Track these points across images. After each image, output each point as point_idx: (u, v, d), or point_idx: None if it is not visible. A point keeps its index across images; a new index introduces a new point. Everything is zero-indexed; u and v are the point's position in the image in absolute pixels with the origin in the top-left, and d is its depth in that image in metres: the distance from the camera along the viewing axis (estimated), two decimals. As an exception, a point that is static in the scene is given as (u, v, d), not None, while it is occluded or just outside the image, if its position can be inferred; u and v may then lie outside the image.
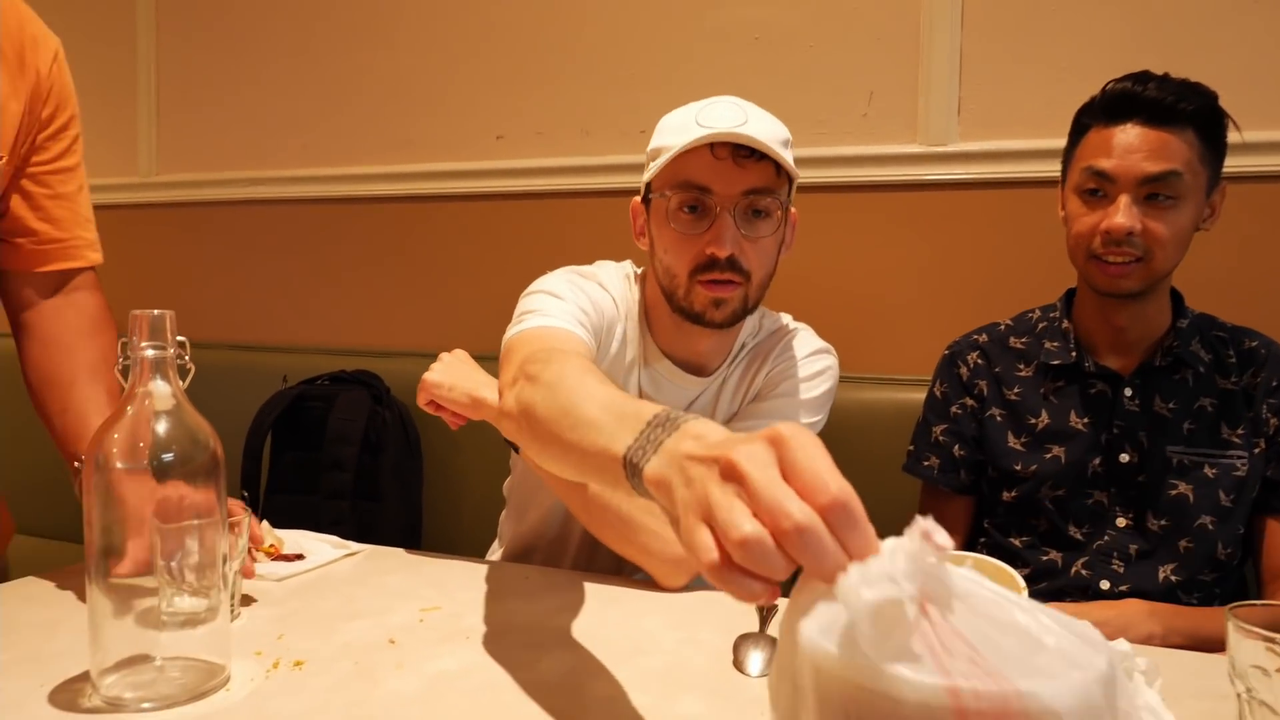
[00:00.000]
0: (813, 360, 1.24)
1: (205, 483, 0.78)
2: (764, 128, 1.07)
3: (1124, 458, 1.28)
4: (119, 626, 0.78)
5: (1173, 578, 1.25)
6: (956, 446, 1.40)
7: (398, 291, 2.22)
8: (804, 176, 1.85)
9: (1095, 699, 0.42)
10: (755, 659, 0.86)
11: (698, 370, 1.20)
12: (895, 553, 0.45)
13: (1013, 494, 1.34)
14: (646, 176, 1.13)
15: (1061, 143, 1.34)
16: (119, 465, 0.76)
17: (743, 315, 1.14)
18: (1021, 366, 1.37)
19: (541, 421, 0.75)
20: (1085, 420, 1.31)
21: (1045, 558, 1.31)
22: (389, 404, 1.92)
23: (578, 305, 1.09)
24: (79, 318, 1.15)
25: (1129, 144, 1.20)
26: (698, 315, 1.11)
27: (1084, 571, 1.28)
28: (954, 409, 1.41)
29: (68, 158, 1.16)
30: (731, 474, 0.48)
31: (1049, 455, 1.31)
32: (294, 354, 2.13)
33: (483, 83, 2.11)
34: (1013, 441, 1.34)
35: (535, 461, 0.84)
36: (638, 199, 1.19)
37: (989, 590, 0.48)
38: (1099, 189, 1.23)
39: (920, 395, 1.57)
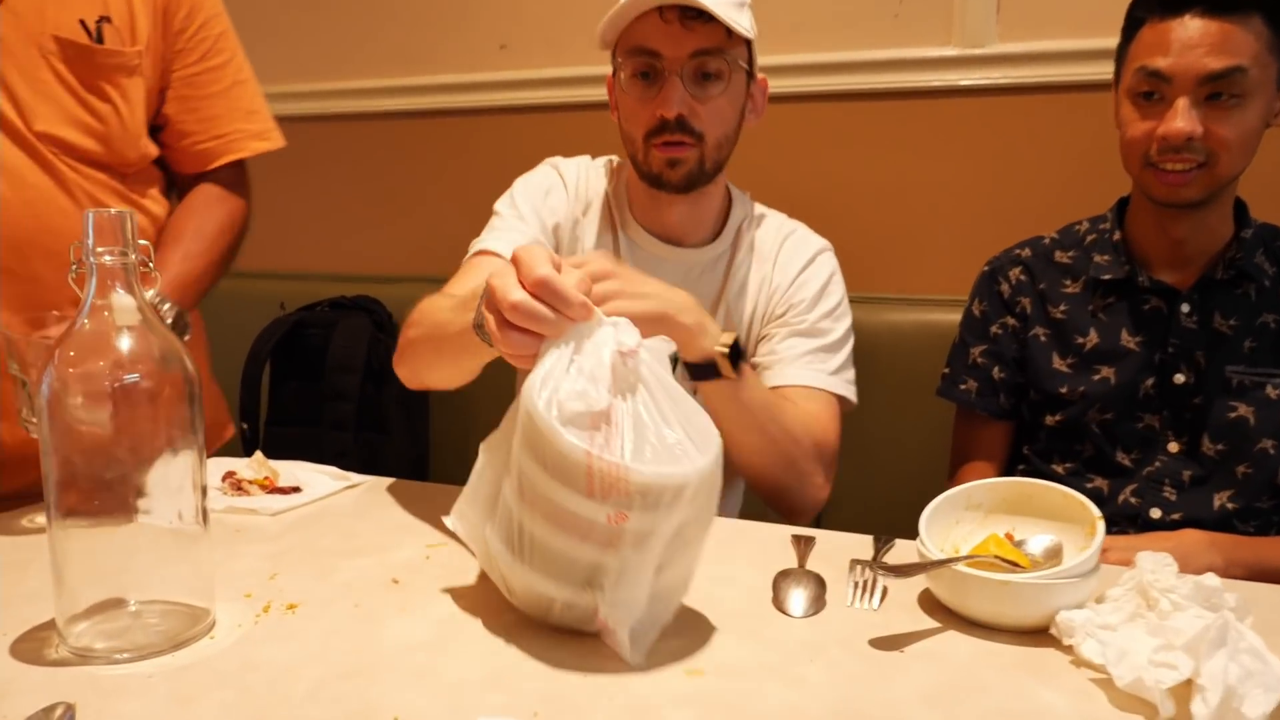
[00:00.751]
0: (820, 266, 1.26)
1: (177, 408, 0.69)
2: None
3: (1179, 378, 1.18)
4: (87, 567, 0.69)
5: (1229, 505, 1.17)
6: (996, 369, 1.30)
7: (398, 213, 2.11)
8: (830, 84, 1.74)
9: (686, 487, 0.65)
10: (797, 598, 0.78)
11: (675, 241, 1.23)
12: (601, 349, 0.68)
13: (1057, 418, 1.24)
14: (601, 31, 1.15)
15: (1111, 42, 1.21)
16: (76, 387, 0.66)
17: (701, 177, 1.16)
18: (1068, 282, 1.27)
19: (423, 344, 1.02)
20: (1138, 339, 1.21)
21: (1090, 485, 1.22)
22: (392, 331, 1.83)
23: (516, 222, 1.21)
24: (211, 190, 1.25)
25: (1187, 39, 1.08)
26: (656, 177, 1.15)
27: (1132, 499, 1.19)
28: (994, 329, 1.31)
29: (213, 57, 1.22)
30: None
31: (1097, 377, 1.22)
32: (291, 280, 2.04)
33: (483, -11, 1.97)
34: (1058, 363, 1.25)
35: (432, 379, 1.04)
36: (611, 74, 1.21)
37: (664, 394, 0.69)
38: (1154, 91, 1.11)
39: (954, 317, 1.47)
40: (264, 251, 2.25)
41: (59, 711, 0.56)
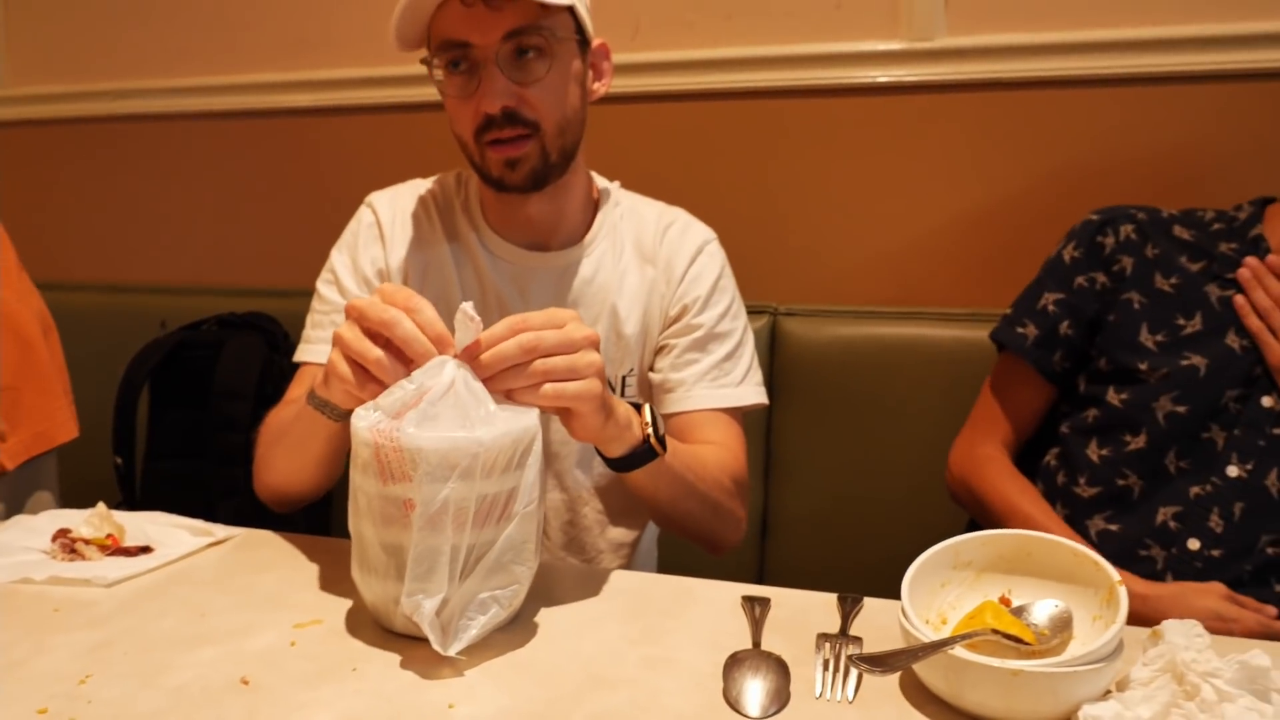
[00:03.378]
0: (709, 258, 1.13)
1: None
2: None
3: (1267, 401, 1.07)
4: None
5: (1269, 551, 1.05)
6: (1066, 323, 1.17)
7: (295, 220, 1.92)
8: (769, 79, 1.62)
9: (464, 453, 0.66)
10: (754, 692, 0.62)
11: (539, 245, 1.09)
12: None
13: (1122, 396, 1.11)
14: (393, 27, 1.00)
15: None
16: None
17: (548, 171, 1.02)
18: (1186, 258, 1.14)
19: (271, 449, 1.01)
20: (1244, 343, 1.09)
21: (1122, 482, 1.10)
22: (287, 351, 1.64)
23: (335, 315, 1.09)
24: None
25: None
26: (498, 181, 1.02)
27: (1172, 523, 1.07)
28: (1079, 279, 1.17)
29: None
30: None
31: (1186, 363, 1.09)
32: (173, 295, 1.84)
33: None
34: (1145, 336, 1.12)
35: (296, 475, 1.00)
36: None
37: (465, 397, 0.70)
38: None
39: (907, 330, 1.36)
40: (142, 262, 2.04)
41: None
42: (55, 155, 2.06)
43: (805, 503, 1.50)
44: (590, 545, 1.10)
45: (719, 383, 1.08)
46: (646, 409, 0.87)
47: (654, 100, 1.68)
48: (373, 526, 0.70)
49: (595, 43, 1.06)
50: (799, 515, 1.51)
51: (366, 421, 0.69)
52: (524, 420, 0.71)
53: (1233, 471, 1.07)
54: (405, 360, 0.73)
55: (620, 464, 0.86)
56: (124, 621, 0.74)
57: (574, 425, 0.79)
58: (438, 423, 0.68)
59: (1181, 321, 1.12)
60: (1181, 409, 1.08)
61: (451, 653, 0.66)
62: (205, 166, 1.98)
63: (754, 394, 1.10)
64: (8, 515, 1.10)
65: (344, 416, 0.82)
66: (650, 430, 0.85)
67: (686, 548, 1.07)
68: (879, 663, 0.59)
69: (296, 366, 1.13)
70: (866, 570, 1.03)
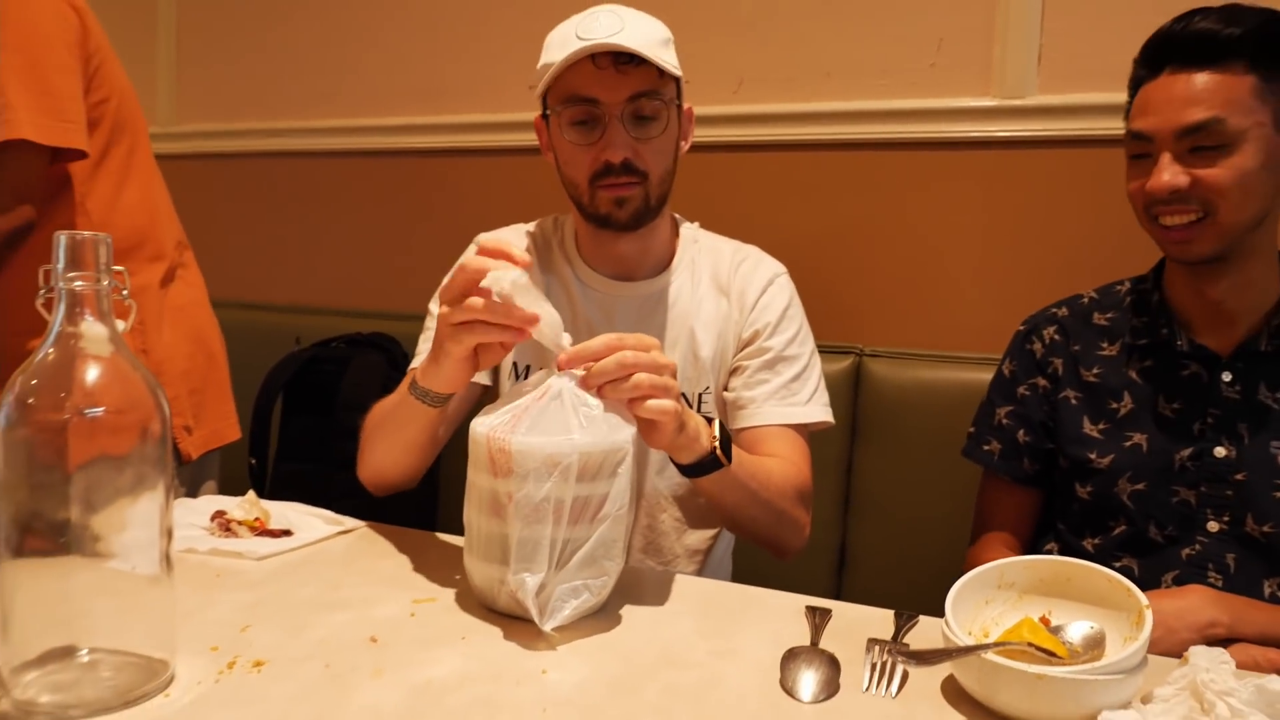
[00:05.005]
0: (779, 289, 1.24)
1: (145, 445, 0.64)
2: (640, 32, 1.09)
3: (1219, 451, 1.10)
4: (37, 610, 0.64)
5: None
6: (1021, 431, 1.23)
7: (418, 251, 2.09)
8: (858, 132, 1.70)
9: (562, 458, 0.77)
10: (807, 681, 0.71)
11: (627, 276, 1.22)
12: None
13: (1087, 489, 1.16)
14: (537, 92, 1.15)
15: None
16: (36, 419, 0.62)
17: (647, 212, 1.16)
18: (1105, 344, 1.20)
19: (374, 435, 1.15)
20: (1175, 406, 1.13)
21: (1118, 565, 1.14)
22: (405, 369, 1.79)
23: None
24: None
25: (1166, 97, 1.06)
26: (605, 218, 1.15)
27: (1174, 587, 1.11)
28: (1022, 389, 1.24)
29: None
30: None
31: (1129, 444, 1.14)
32: (308, 315, 2.02)
33: (512, 29, 1.95)
34: (1089, 428, 1.17)
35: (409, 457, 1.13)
36: (539, 116, 1.19)
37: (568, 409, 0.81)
38: (1143, 152, 1.09)
39: (986, 375, 1.41)
40: (282, 285, 2.25)
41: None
42: (211, 187, 2.29)
43: (882, 538, 1.56)
44: (667, 549, 1.20)
45: (786, 401, 1.17)
46: (716, 424, 0.97)
47: (755, 150, 1.78)
48: (482, 516, 0.81)
49: (685, 106, 1.19)
50: (875, 549, 1.56)
51: (484, 425, 0.81)
52: (619, 434, 0.81)
53: (1212, 526, 1.09)
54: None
55: (689, 470, 0.96)
56: (272, 588, 0.88)
57: (652, 435, 0.89)
58: (542, 429, 0.79)
59: (1114, 405, 1.16)
60: (1140, 486, 1.12)
61: (548, 628, 0.77)
62: (338, 201, 2.17)
63: (820, 412, 1.19)
64: (187, 497, 1.28)
65: (440, 403, 0.98)
66: (717, 443, 0.95)
67: (759, 561, 1.15)
68: (918, 658, 0.67)
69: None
70: (938, 606, 1.10)
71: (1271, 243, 1.12)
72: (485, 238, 1.29)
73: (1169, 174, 1.05)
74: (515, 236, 1.28)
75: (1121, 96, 1.16)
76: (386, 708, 0.65)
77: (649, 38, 1.09)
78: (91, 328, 0.63)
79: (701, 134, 1.23)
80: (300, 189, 2.20)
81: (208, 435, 1.42)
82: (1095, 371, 1.19)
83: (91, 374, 0.63)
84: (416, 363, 1.24)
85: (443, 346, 0.90)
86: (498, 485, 0.79)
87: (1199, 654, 0.66)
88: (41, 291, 0.64)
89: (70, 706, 0.62)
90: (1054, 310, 1.26)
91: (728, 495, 1.03)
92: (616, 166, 1.11)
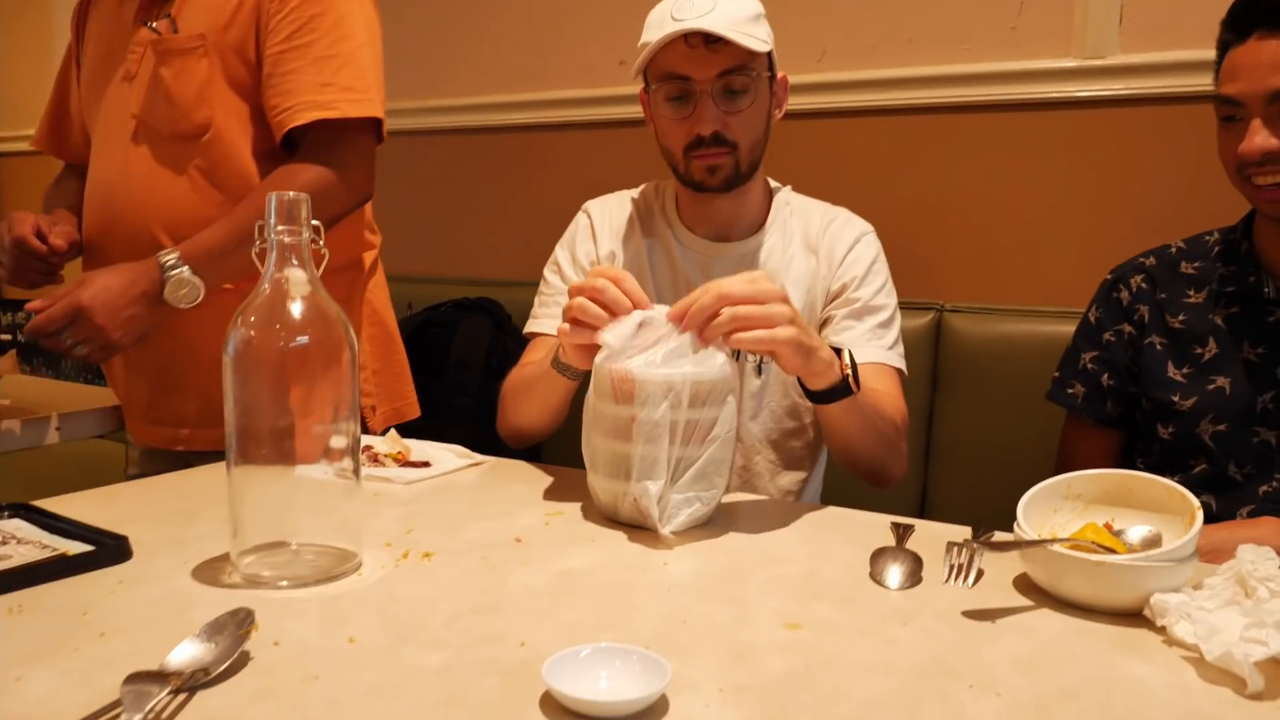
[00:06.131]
0: (866, 246, 1.32)
1: (338, 370, 0.78)
2: (730, 10, 1.16)
3: None
4: (257, 511, 0.79)
5: None
6: (1105, 375, 1.30)
7: (519, 222, 2.23)
8: (940, 96, 1.76)
9: (669, 385, 0.90)
10: (894, 572, 0.81)
11: (723, 237, 1.33)
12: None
13: (1169, 430, 1.23)
14: (635, 70, 1.24)
15: None
16: (256, 347, 0.76)
17: (738, 178, 1.25)
18: (1191, 292, 1.26)
19: (514, 397, 1.28)
20: (1259, 350, 1.19)
21: (1201, 500, 1.20)
22: (510, 330, 1.93)
23: (559, 296, 1.34)
24: (282, 169, 1.33)
25: (1255, 61, 1.10)
26: (699, 184, 1.26)
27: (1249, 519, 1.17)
28: (1107, 335, 1.31)
29: (301, 36, 1.30)
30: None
31: (1212, 387, 1.20)
32: (420, 283, 2.17)
33: (605, 9, 2.06)
34: (1173, 372, 1.24)
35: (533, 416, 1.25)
36: (642, 90, 1.30)
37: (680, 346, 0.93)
38: (1233, 115, 1.14)
39: (1065, 328, 1.47)
40: (393, 256, 2.40)
41: (242, 614, 0.65)
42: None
43: (963, 485, 1.64)
44: (761, 490, 1.31)
45: (874, 344, 1.26)
46: (846, 353, 1.05)
47: (839, 116, 1.86)
48: (606, 439, 0.94)
49: (779, 75, 1.27)
50: (955, 499, 1.65)
51: (607, 358, 0.93)
52: (727, 368, 0.92)
53: None
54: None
55: (820, 397, 1.05)
56: (423, 504, 1.02)
57: (782, 363, 0.98)
58: (658, 362, 0.91)
59: (1199, 351, 1.22)
60: (1222, 427, 1.19)
61: (666, 531, 0.90)
62: (445, 176, 2.32)
63: (899, 360, 1.28)
64: None
65: (579, 377, 1.09)
66: (849, 371, 1.04)
67: (846, 505, 1.25)
68: (991, 545, 0.77)
69: (519, 342, 1.40)
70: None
71: None
72: (592, 205, 1.41)
73: (1260, 138, 1.10)
74: (622, 200, 1.40)
75: (1203, 53, 1.21)
76: (537, 586, 0.78)
77: (738, 15, 1.17)
78: (294, 272, 0.77)
79: (791, 102, 1.32)
80: (410, 166, 2.36)
81: (389, 413, 1.55)
82: (1181, 318, 1.25)
83: (296, 310, 0.77)
84: (533, 326, 1.36)
85: (566, 335, 1.00)
86: (620, 410, 0.91)
87: (1246, 549, 0.74)
88: (257, 243, 0.78)
89: (285, 579, 0.77)
90: (1142, 260, 1.32)
91: (850, 422, 1.10)
92: (707, 139, 1.20)
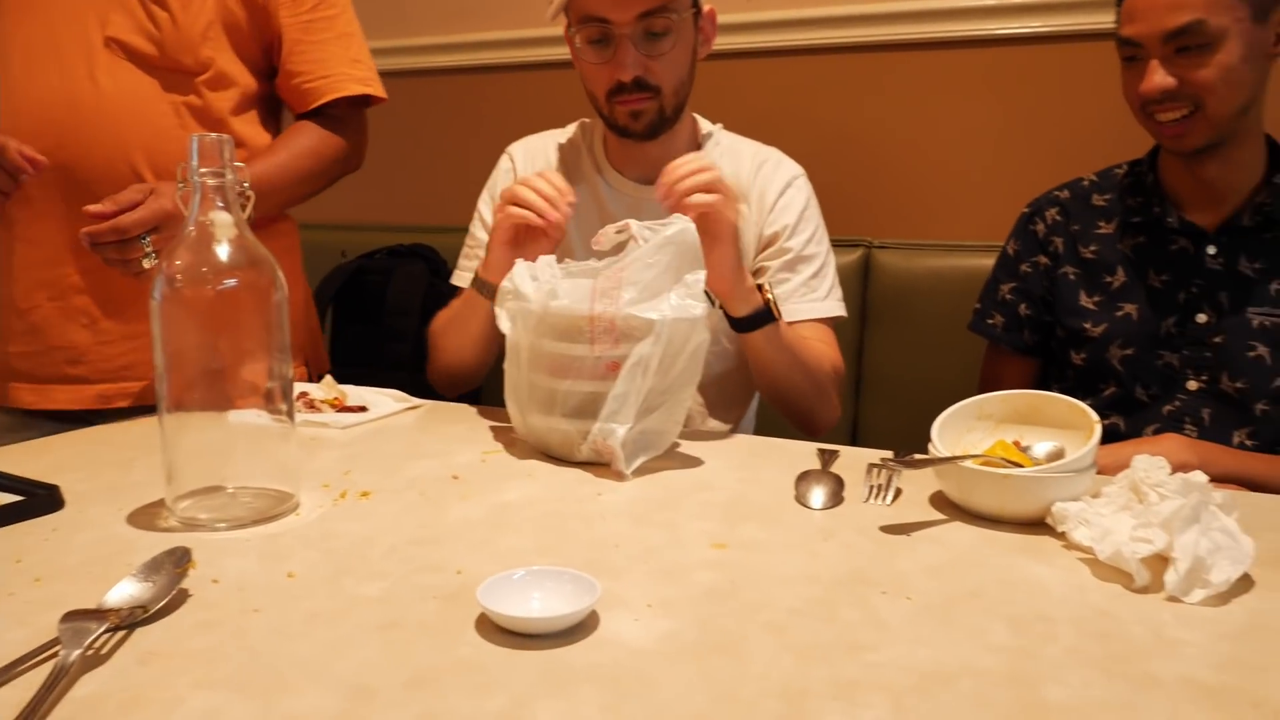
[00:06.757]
0: (797, 191, 1.33)
1: (268, 312, 0.79)
2: None
3: (1200, 318, 1.22)
4: (192, 456, 0.79)
5: (1248, 443, 1.21)
6: (1023, 305, 1.36)
7: (451, 166, 2.20)
8: (864, 35, 1.78)
9: (666, 325, 0.91)
10: (817, 493, 0.85)
11: (652, 180, 1.27)
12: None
13: (1081, 356, 1.29)
14: (551, 12, 1.22)
15: None
16: (184, 291, 0.76)
17: (663, 123, 1.25)
18: (1102, 223, 1.31)
19: (441, 333, 1.31)
20: (1163, 278, 1.25)
21: (1107, 422, 1.27)
22: (446, 275, 1.92)
23: (479, 250, 1.34)
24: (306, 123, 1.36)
25: (1148, 5, 1.15)
26: (623, 129, 1.25)
27: (1154, 435, 1.24)
28: (1024, 267, 1.36)
29: (325, 9, 1.34)
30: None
31: (1120, 314, 1.26)
32: (352, 230, 2.15)
33: (534, -56, 2.03)
34: (1085, 300, 1.30)
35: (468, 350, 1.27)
36: (566, 29, 1.27)
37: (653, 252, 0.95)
38: (1133, 55, 1.19)
39: (987, 261, 1.52)
40: (326, 204, 2.36)
41: (179, 553, 0.66)
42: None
43: (892, 416, 1.70)
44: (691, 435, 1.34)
45: (808, 298, 1.29)
46: (767, 284, 1.09)
47: (765, 55, 1.87)
48: (565, 381, 0.95)
49: (705, 9, 1.26)
50: (887, 428, 1.70)
51: (550, 296, 0.95)
52: (697, 310, 0.93)
53: (1192, 385, 1.23)
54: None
55: (744, 323, 1.08)
56: (361, 446, 1.03)
57: (714, 258, 1.03)
58: (630, 301, 0.93)
59: (1109, 280, 1.28)
60: (1129, 351, 1.25)
61: (628, 473, 0.92)
62: (375, 121, 2.27)
63: (836, 307, 1.31)
64: None
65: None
66: (771, 296, 1.07)
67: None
68: (906, 464, 0.81)
69: (454, 289, 1.40)
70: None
71: (1258, 125, 1.22)
72: (515, 147, 1.41)
73: (1159, 77, 1.15)
74: (547, 142, 1.39)
75: (1112, -12, 1.25)
76: (475, 518, 0.80)
77: None
78: (220, 215, 0.77)
79: (715, 42, 1.32)
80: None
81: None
82: (1092, 249, 1.31)
83: (223, 252, 0.77)
84: (458, 279, 1.37)
85: (495, 235, 1.03)
86: (595, 351, 0.93)
87: (1141, 459, 0.79)
88: (180, 185, 0.77)
89: (222, 520, 0.78)
90: (1056, 193, 1.37)
91: (776, 358, 1.13)
92: (629, 84, 1.19)
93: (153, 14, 1.24)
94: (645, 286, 0.93)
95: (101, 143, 1.25)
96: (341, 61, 1.36)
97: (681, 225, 0.95)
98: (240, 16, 1.30)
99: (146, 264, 1.11)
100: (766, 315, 1.08)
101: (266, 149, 1.34)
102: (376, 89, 1.41)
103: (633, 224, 0.98)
